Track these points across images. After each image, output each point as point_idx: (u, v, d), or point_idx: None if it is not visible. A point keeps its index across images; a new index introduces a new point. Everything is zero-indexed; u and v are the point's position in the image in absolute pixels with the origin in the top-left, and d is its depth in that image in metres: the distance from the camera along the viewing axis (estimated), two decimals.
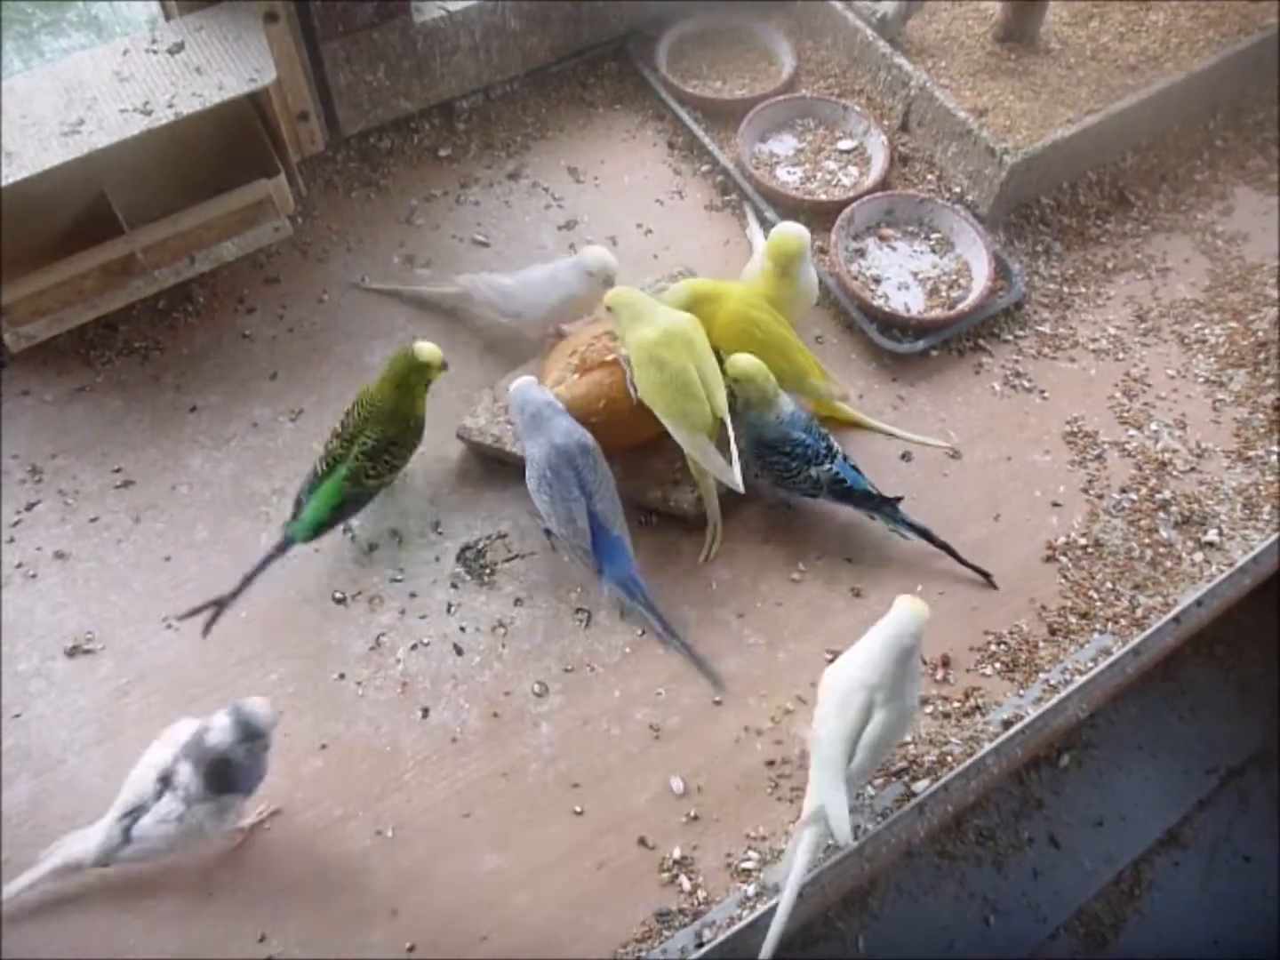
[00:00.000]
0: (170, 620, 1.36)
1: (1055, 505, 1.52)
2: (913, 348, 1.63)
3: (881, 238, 1.74)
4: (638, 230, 1.75)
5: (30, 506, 1.44)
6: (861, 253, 1.72)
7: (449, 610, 1.39)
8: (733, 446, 1.36)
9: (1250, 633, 2.26)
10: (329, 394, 1.56)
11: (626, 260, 1.60)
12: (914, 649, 1.15)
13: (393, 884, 1.21)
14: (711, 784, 1.29)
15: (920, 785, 1.28)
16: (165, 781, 1.12)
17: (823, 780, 1.14)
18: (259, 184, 1.53)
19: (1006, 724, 1.33)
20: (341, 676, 1.34)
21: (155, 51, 1.44)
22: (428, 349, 1.35)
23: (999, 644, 1.40)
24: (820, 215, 1.73)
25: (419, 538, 1.45)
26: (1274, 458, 1.56)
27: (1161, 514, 1.51)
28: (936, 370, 1.63)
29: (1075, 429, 1.58)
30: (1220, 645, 2.28)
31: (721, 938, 1.17)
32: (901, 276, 1.69)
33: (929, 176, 1.79)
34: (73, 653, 1.34)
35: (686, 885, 1.22)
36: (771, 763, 1.30)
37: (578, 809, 1.27)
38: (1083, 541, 1.48)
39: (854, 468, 1.44)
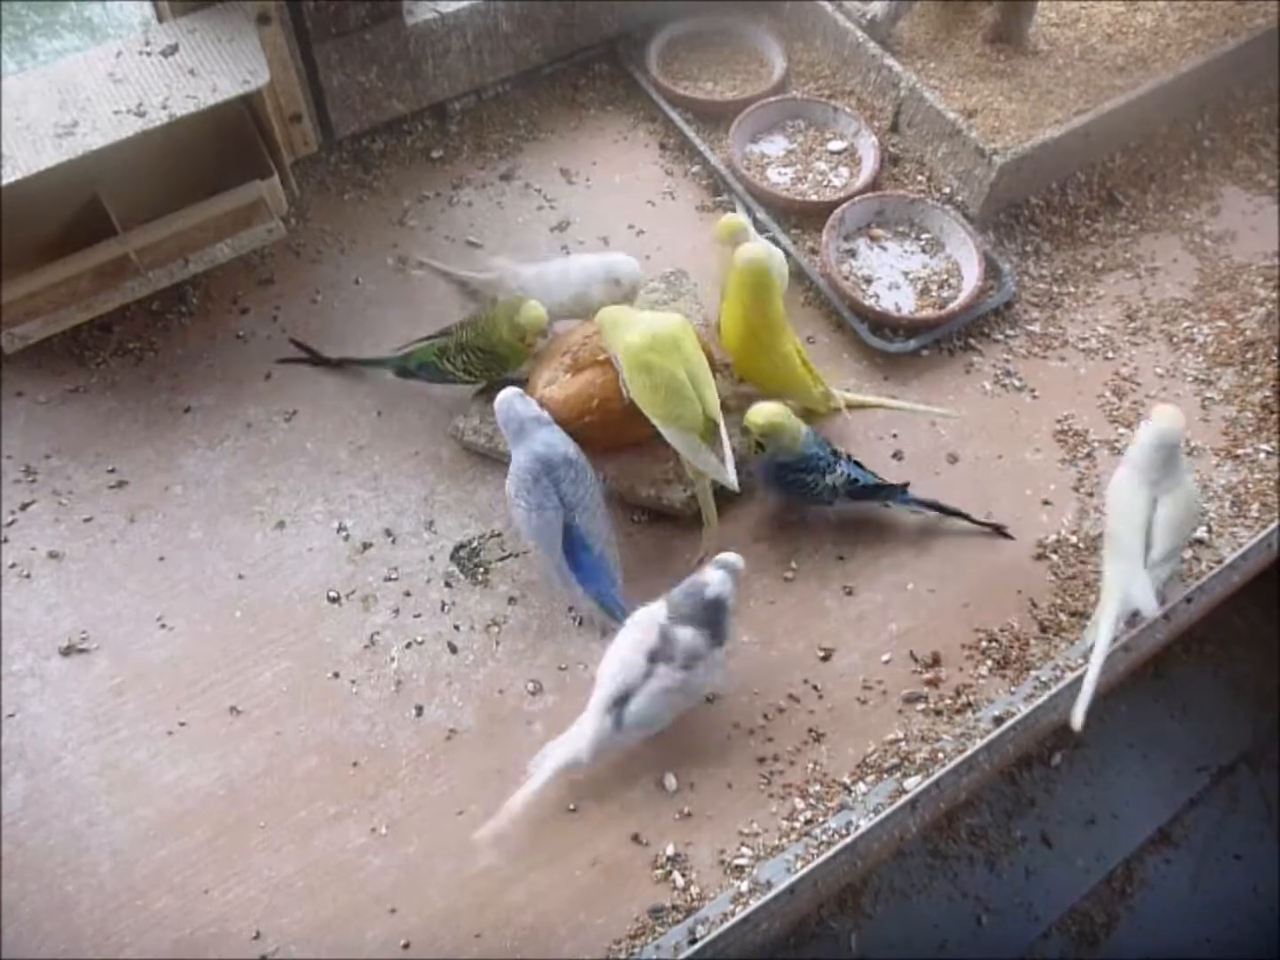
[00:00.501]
0: (164, 619, 1.37)
1: (1046, 503, 1.52)
2: (904, 347, 1.64)
3: (872, 238, 1.75)
4: (629, 231, 1.76)
5: (24, 507, 1.44)
6: (852, 253, 1.73)
7: (443, 609, 1.40)
8: (725, 446, 1.37)
9: (1240, 631, 2.28)
10: (323, 394, 1.57)
11: None
12: (1177, 446, 1.33)
13: (387, 882, 1.21)
14: (704, 781, 1.30)
15: (912, 782, 1.28)
16: (654, 658, 1.22)
17: (1123, 569, 1.33)
18: (252, 185, 1.53)
19: (998, 721, 1.33)
20: (336, 675, 1.34)
21: (149, 53, 1.45)
22: (532, 312, 1.44)
23: (990, 641, 1.41)
24: (811, 216, 1.74)
25: (412, 537, 1.45)
26: (1262, 456, 1.57)
27: None
28: (927, 369, 1.64)
29: (1065, 427, 1.59)
30: (1210, 644, 2.29)
31: (715, 934, 1.17)
32: (892, 276, 1.70)
33: (919, 177, 1.80)
34: (67, 652, 1.34)
35: (680, 882, 1.22)
36: (763, 760, 1.31)
37: (571, 806, 1.27)
38: (1073, 539, 1.49)
39: (858, 464, 1.46)
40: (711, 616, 1.24)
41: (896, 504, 1.48)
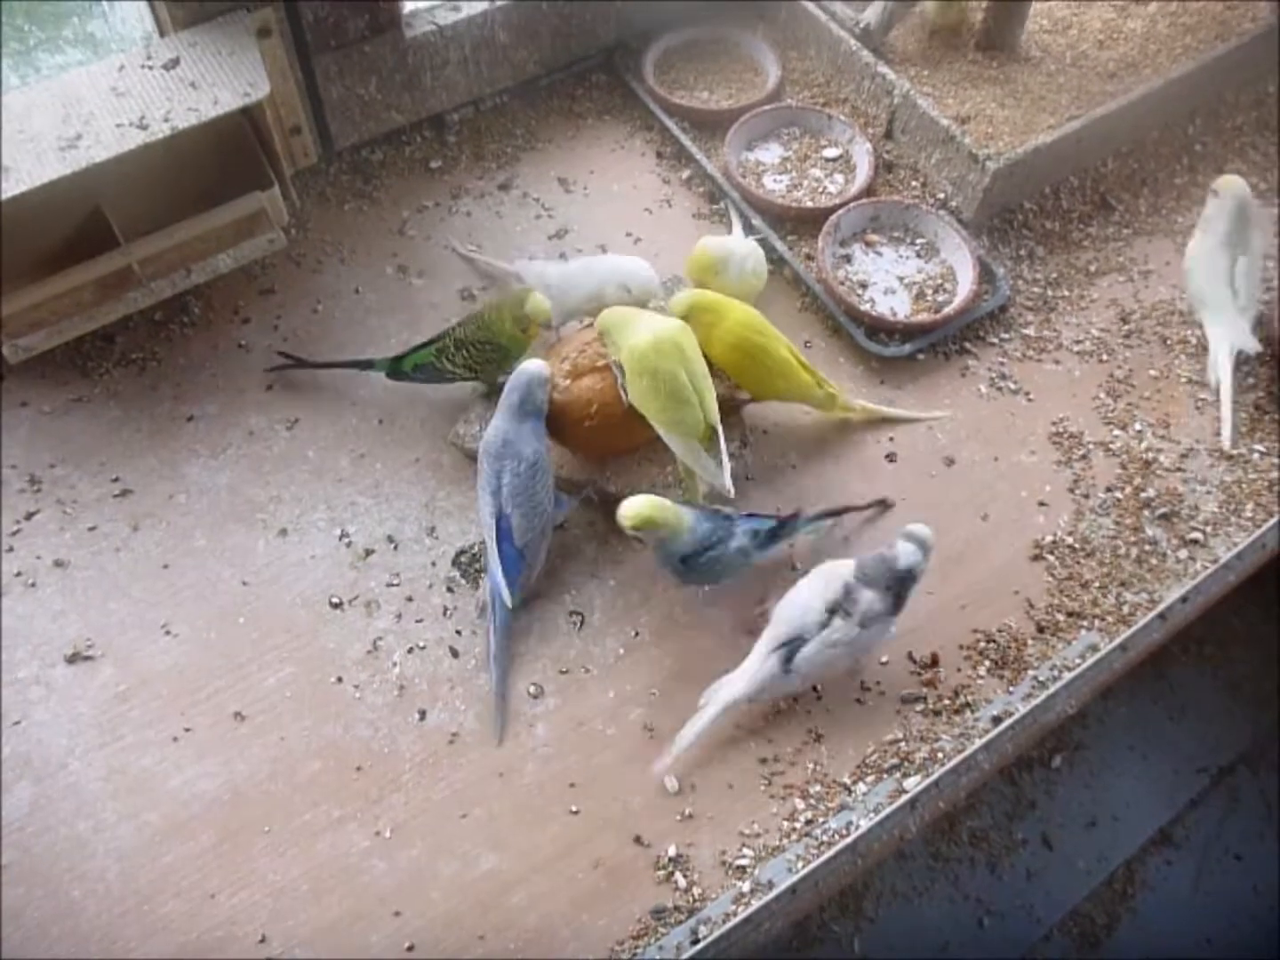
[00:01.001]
0: (168, 627, 1.38)
1: (1042, 505, 1.54)
2: (899, 351, 1.65)
3: (867, 243, 1.76)
4: (627, 239, 1.77)
5: (29, 516, 1.45)
6: (848, 258, 1.74)
7: (445, 614, 1.41)
8: (723, 451, 1.38)
9: (1238, 632, 2.29)
10: (324, 403, 1.58)
11: None
12: (1249, 204, 1.64)
13: (391, 884, 1.22)
14: (705, 783, 1.30)
15: (911, 782, 1.29)
16: (834, 611, 1.27)
17: (1223, 320, 1.64)
18: (253, 197, 1.54)
19: (996, 720, 1.34)
20: (339, 680, 1.35)
21: (151, 67, 1.46)
22: (537, 303, 1.47)
23: (988, 642, 1.42)
24: (807, 222, 1.76)
25: (414, 543, 1.47)
26: (1256, 456, 1.58)
27: (1146, 512, 1.53)
28: (923, 373, 1.66)
29: (1060, 429, 1.61)
30: (1209, 645, 2.30)
31: (717, 934, 1.18)
32: (887, 281, 1.72)
33: (913, 183, 1.82)
34: (72, 660, 1.35)
35: (682, 882, 1.23)
36: (764, 760, 1.32)
37: (574, 808, 1.28)
38: (1069, 540, 1.50)
39: (749, 515, 1.41)
40: (897, 586, 1.29)
41: (803, 530, 1.44)
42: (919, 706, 1.37)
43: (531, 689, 1.36)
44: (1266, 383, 1.65)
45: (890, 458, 1.57)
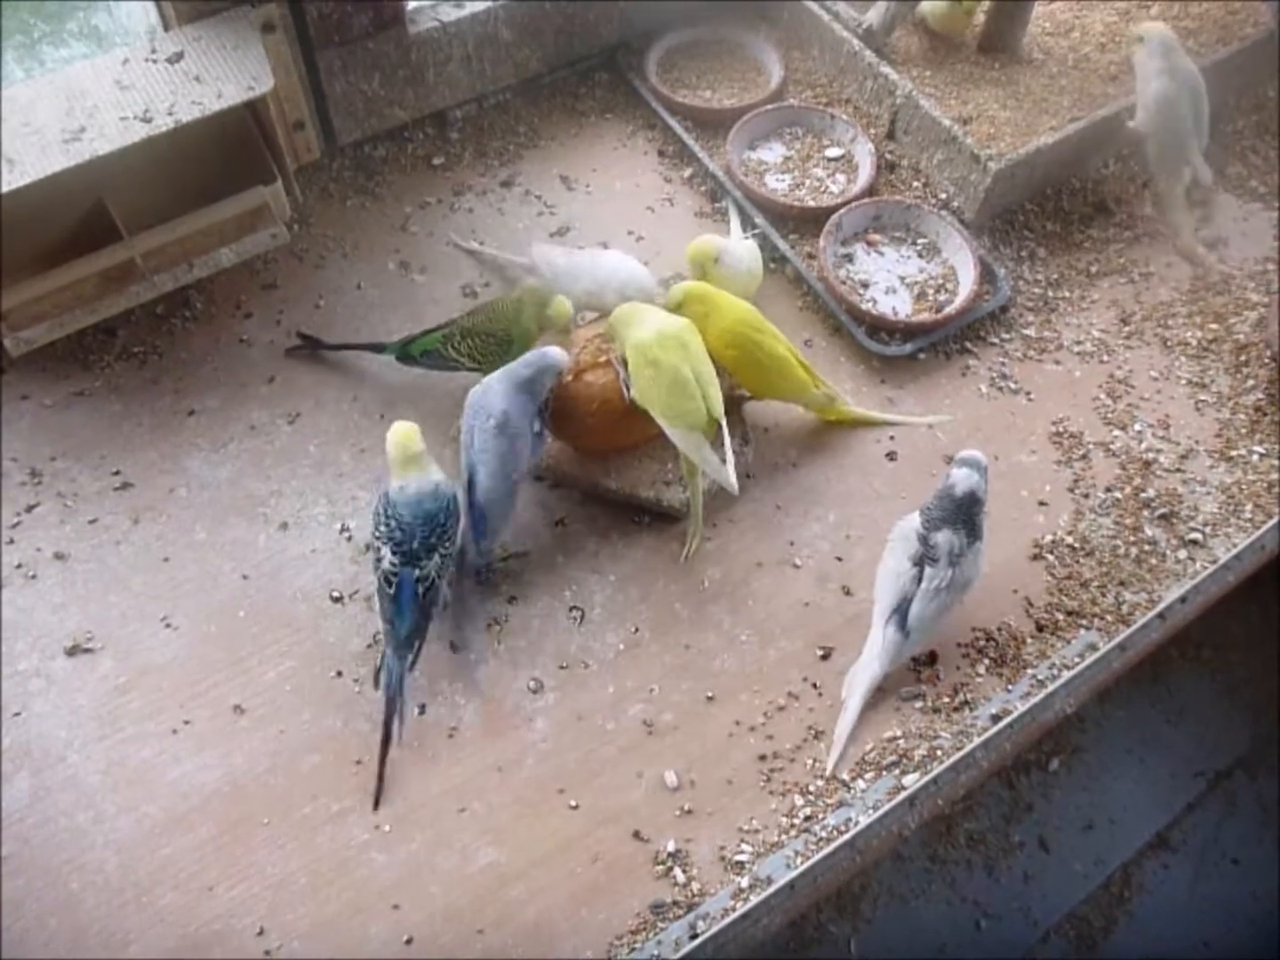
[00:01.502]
0: (168, 619, 1.38)
1: (1042, 504, 1.54)
2: (900, 350, 1.65)
3: (869, 243, 1.77)
4: (629, 237, 1.78)
5: (30, 508, 1.45)
6: (849, 258, 1.75)
7: (444, 608, 1.40)
8: (727, 446, 1.38)
9: (1236, 636, 2.29)
10: (326, 397, 1.58)
11: None
12: (1176, 44, 1.73)
13: (390, 878, 1.22)
14: (704, 778, 1.31)
15: (910, 779, 1.29)
16: (921, 564, 1.32)
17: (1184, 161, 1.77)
18: (256, 191, 1.55)
19: (995, 718, 1.34)
20: (339, 674, 1.35)
21: (155, 61, 1.46)
22: (561, 306, 1.49)
23: (987, 640, 1.42)
24: (808, 221, 1.76)
25: None
26: (1255, 457, 1.58)
27: (1146, 512, 1.53)
28: (924, 373, 1.66)
29: (1061, 429, 1.61)
30: (1207, 649, 2.30)
31: (715, 929, 1.18)
32: (889, 281, 1.72)
33: (915, 183, 1.82)
34: (72, 652, 1.35)
35: (680, 878, 1.23)
36: (763, 757, 1.32)
37: (572, 803, 1.28)
38: (1069, 540, 1.50)
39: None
40: (965, 514, 1.31)
41: None
42: (918, 704, 1.37)
43: (531, 684, 1.36)
44: (1266, 384, 1.65)
45: (891, 456, 1.57)
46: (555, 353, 1.40)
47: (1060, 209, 1.85)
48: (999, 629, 1.43)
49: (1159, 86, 1.73)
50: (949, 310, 1.66)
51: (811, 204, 1.78)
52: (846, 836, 1.24)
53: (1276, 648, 2.23)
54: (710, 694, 1.36)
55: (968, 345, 1.69)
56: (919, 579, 1.33)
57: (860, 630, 1.41)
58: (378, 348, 1.57)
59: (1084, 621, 1.44)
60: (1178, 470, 1.58)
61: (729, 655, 1.39)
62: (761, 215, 1.77)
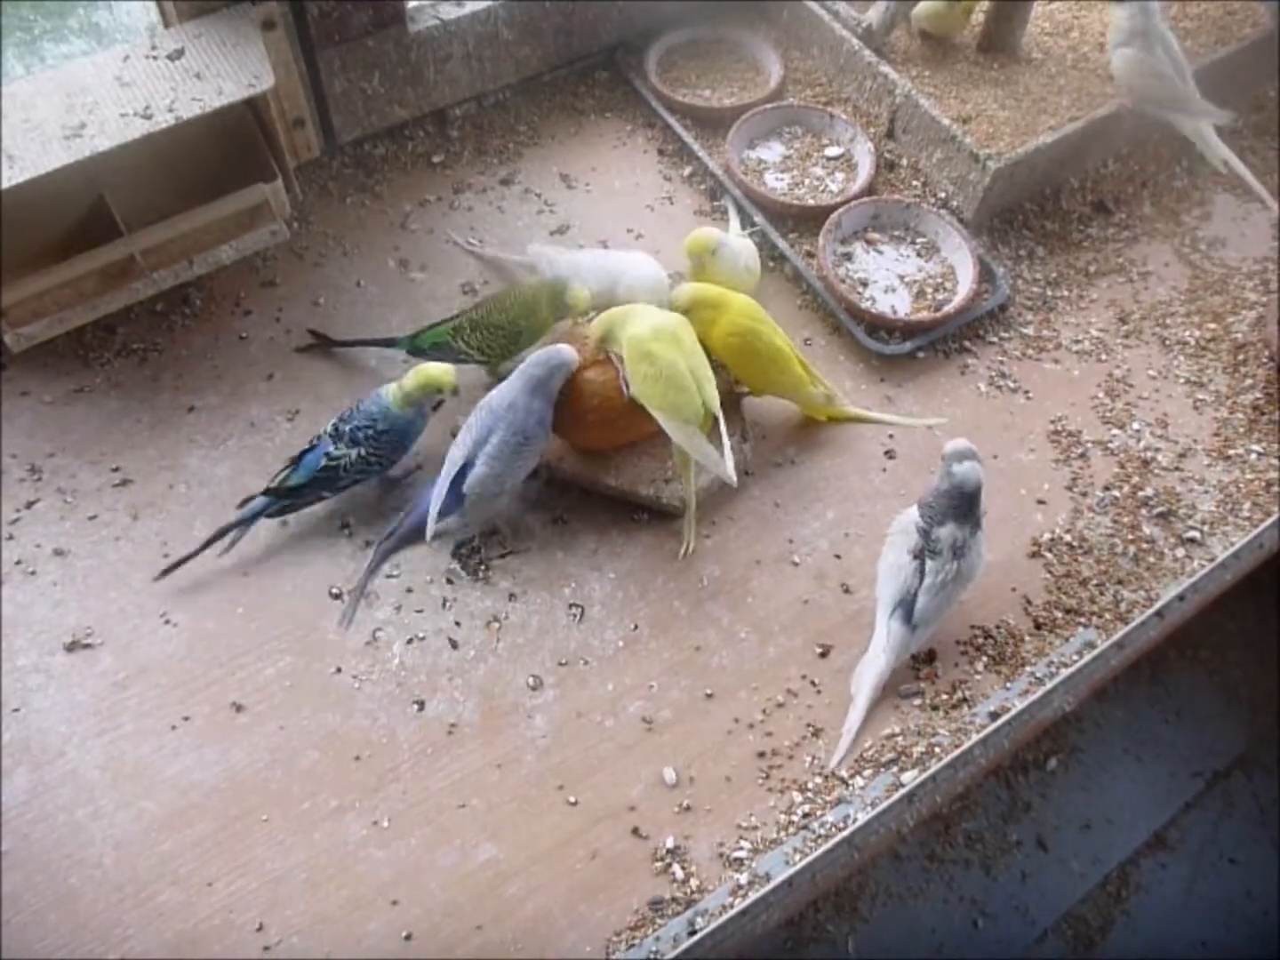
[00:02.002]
0: (168, 616, 1.38)
1: (1040, 503, 1.54)
2: (899, 349, 1.65)
3: (868, 242, 1.77)
4: (628, 235, 1.78)
5: (30, 504, 1.45)
6: (849, 256, 1.75)
7: (444, 605, 1.41)
8: (725, 440, 1.39)
9: (1234, 636, 2.29)
10: (325, 394, 1.58)
11: None
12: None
13: (389, 874, 1.22)
14: (703, 775, 1.31)
15: (909, 776, 1.30)
16: (921, 556, 1.33)
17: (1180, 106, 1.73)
18: (256, 188, 1.55)
19: (993, 716, 1.34)
20: (339, 670, 1.35)
21: (155, 57, 1.46)
22: (578, 293, 1.50)
23: (986, 638, 1.42)
24: (808, 220, 1.77)
25: None
26: (1253, 456, 1.59)
27: (1144, 511, 1.53)
28: (923, 371, 1.66)
29: (1059, 428, 1.61)
30: (1205, 649, 2.31)
31: (714, 925, 1.18)
32: (888, 280, 1.72)
33: (914, 182, 1.82)
34: (72, 648, 1.35)
35: (679, 874, 1.24)
36: (762, 754, 1.32)
37: (571, 800, 1.28)
38: (1067, 538, 1.51)
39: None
40: (965, 505, 1.32)
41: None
42: (916, 701, 1.37)
43: (530, 680, 1.36)
44: (1264, 384, 1.66)
45: (889, 454, 1.57)
46: (567, 350, 1.40)
47: (1059, 208, 1.86)
48: (997, 627, 1.43)
49: (1140, 53, 1.72)
50: (948, 309, 1.67)
51: (811, 203, 1.78)
52: (845, 833, 1.24)
53: (1273, 647, 2.24)
54: (709, 691, 1.36)
55: (966, 344, 1.70)
56: (921, 572, 1.33)
57: (859, 627, 1.41)
58: (389, 343, 1.58)
59: (1082, 619, 1.44)
60: (1176, 469, 1.58)
61: (728, 652, 1.39)
62: (761, 214, 1.77)
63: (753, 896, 1.20)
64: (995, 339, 1.70)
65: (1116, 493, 1.55)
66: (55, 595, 1.39)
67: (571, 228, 1.78)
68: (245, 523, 1.42)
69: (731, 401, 1.54)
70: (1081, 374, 1.68)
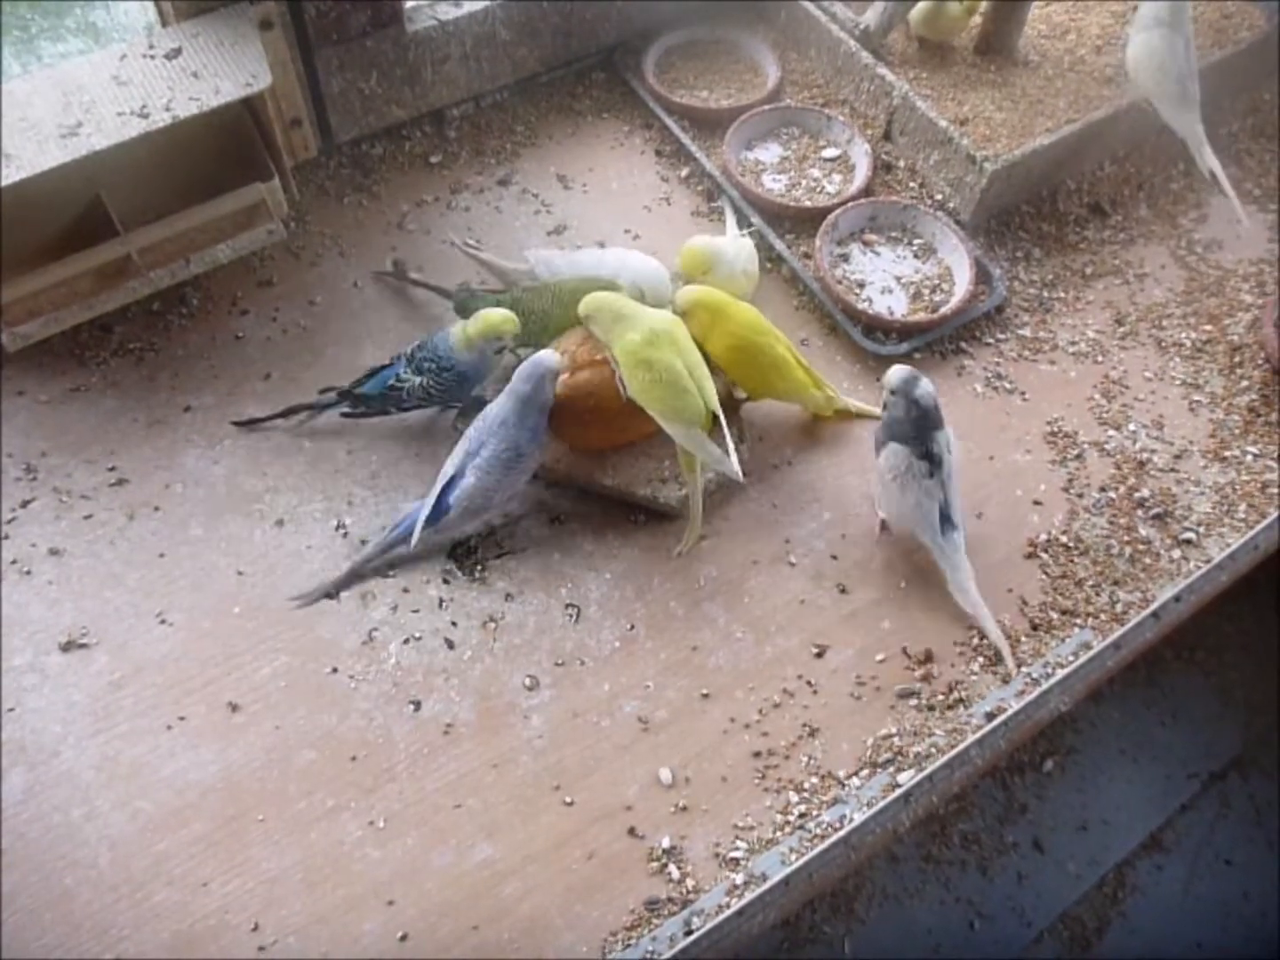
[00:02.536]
0: (164, 615, 1.38)
1: (1036, 504, 1.54)
2: (896, 350, 1.66)
3: (865, 243, 1.77)
4: (626, 236, 1.78)
5: (25, 504, 1.45)
6: (846, 258, 1.75)
7: (440, 605, 1.41)
8: (728, 438, 1.39)
9: (1230, 637, 2.30)
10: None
11: None
12: None
13: (385, 874, 1.22)
14: (699, 775, 1.31)
15: (905, 776, 1.30)
16: (932, 472, 1.40)
17: (1183, 111, 1.72)
18: (254, 188, 1.54)
19: (989, 716, 1.35)
20: (334, 670, 1.35)
21: (152, 56, 1.46)
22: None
23: (982, 638, 1.42)
24: (805, 221, 1.77)
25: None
26: (1249, 458, 1.59)
27: (1140, 512, 1.54)
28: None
29: (1055, 429, 1.61)
30: (1201, 650, 2.31)
31: (710, 925, 1.18)
32: (885, 281, 1.72)
33: (911, 184, 1.83)
34: (67, 648, 1.35)
35: (675, 874, 1.24)
36: (758, 754, 1.32)
37: (568, 800, 1.28)
38: (1063, 539, 1.51)
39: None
40: (929, 420, 1.40)
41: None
42: (913, 702, 1.37)
43: (527, 680, 1.36)
44: (1260, 385, 1.66)
45: None
46: (546, 355, 1.40)
47: (1056, 210, 1.86)
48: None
49: (1149, 40, 1.71)
50: (945, 310, 1.67)
51: (808, 204, 1.78)
52: (841, 833, 1.24)
53: (1270, 649, 2.25)
54: (705, 691, 1.36)
55: (963, 345, 1.70)
56: (942, 483, 1.40)
57: (855, 627, 1.42)
58: (446, 293, 1.64)
59: (1078, 620, 1.44)
60: (1172, 470, 1.58)
61: (724, 652, 1.39)
62: (758, 215, 1.77)
63: (749, 896, 1.20)
64: (992, 340, 1.71)
65: (1112, 494, 1.55)
66: (51, 595, 1.39)
67: (569, 228, 1.78)
68: (317, 408, 1.53)
69: (730, 405, 1.54)
70: (1078, 375, 1.68)
